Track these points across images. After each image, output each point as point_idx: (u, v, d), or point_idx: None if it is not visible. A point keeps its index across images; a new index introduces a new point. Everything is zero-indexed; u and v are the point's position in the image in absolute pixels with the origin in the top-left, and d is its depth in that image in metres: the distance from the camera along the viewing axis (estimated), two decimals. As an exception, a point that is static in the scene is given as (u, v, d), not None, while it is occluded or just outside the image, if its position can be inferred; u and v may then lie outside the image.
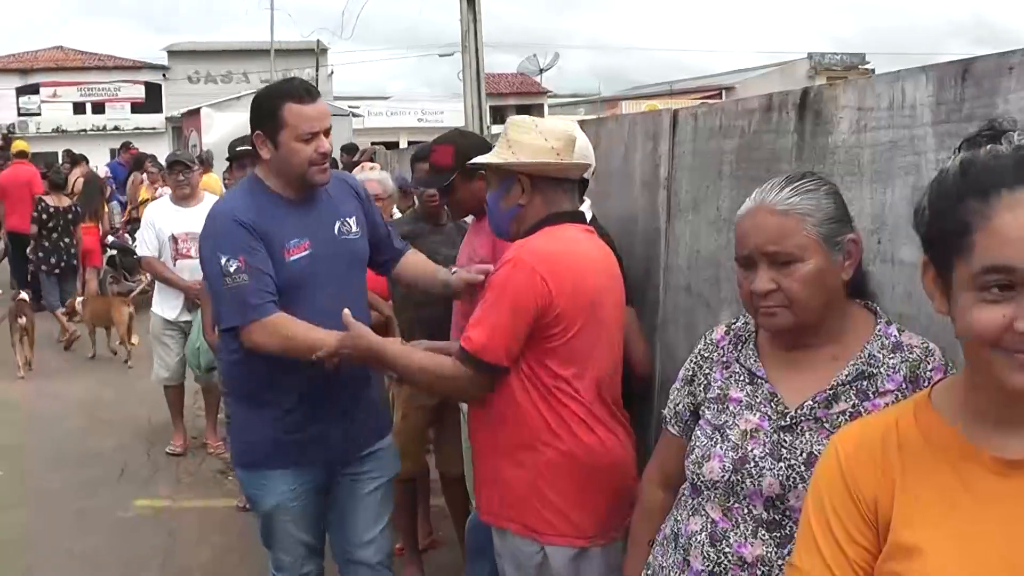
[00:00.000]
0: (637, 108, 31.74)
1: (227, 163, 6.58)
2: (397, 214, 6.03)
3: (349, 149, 14.45)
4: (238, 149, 5.71)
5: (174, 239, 6.94)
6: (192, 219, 6.89)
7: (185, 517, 6.04)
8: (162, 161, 11.15)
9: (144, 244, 7.08)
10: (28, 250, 12.03)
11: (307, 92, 3.15)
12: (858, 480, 1.46)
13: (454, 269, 3.46)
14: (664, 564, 2.17)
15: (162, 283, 7.12)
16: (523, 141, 2.90)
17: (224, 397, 3.58)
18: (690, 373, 2.23)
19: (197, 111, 27.30)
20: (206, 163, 15.29)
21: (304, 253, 3.20)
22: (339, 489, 3.49)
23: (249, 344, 3.10)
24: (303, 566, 3.46)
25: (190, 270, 6.79)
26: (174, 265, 6.95)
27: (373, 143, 15.92)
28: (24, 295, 10.43)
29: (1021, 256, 1.27)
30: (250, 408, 3.34)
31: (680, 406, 2.26)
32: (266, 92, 3.29)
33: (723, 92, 38.12)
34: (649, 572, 2.24)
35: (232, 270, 3.05)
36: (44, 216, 11.57)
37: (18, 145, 15.39)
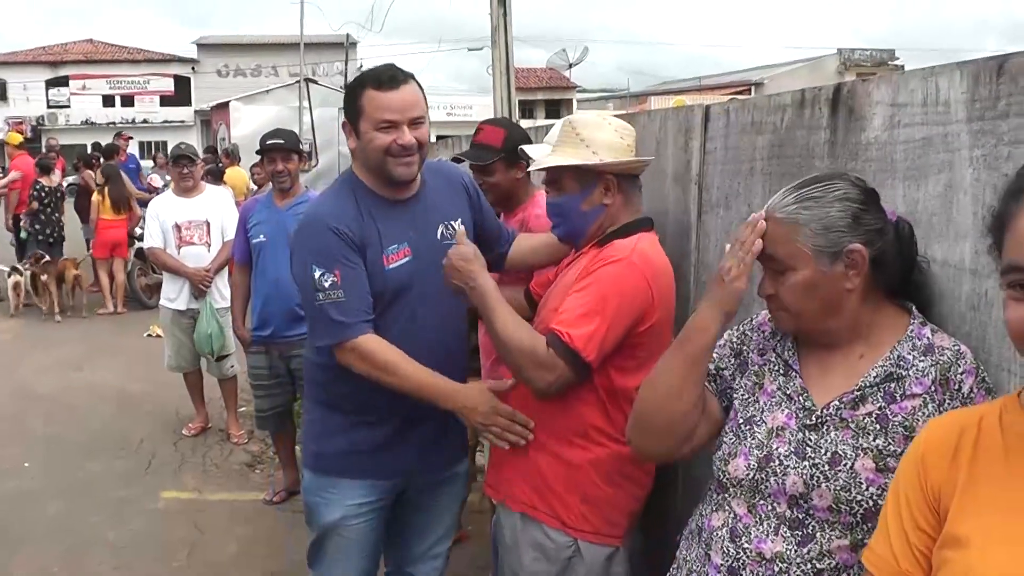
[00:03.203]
0: (665, 103, 31.66)
1: (257, 156, 6.62)
2: None
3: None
4: (268, 143, 5.73)
5: (177, 227, 7.25)
6: (193, 208, 7.29)
7: (212, 509, 6.08)
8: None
9: (149, 236, 7.33)
10: (25, 224, 13.72)
11: (390, 79, 2.88)
12: (929, 470, 1.50)
13: None
14: (688, 557, 2.18)
15: (169, 272, 7.34)
16: (602, 140, 2.85)
17: (303, 399, 3.35)
18: (737, 344, 2.21)
19: (226, 104, 27.45)
20: (233, 156, 15.41)
21: (404, 260, 2.97)
22: (409, 508, 3.32)
23: (343, 363, 2.92)
24: None
25: (194, 257, 7.22)
26: (178, 253, 7.23)
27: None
28: (41, 253, 12.70)
29: None
30: (329, 413, 3.14)
31: (723, 367, 2.22)
32: (356, 77, 3.09)
33: (752, 88, 38.03)
34: (675, 566, 2.26)
35: (327, 285, 2.85)
36: (42, 195, 13.48)
37: (15, 137, 16.22)
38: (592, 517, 2.82)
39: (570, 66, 45.38)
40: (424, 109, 2.97)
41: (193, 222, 7.25)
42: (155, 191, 13.76)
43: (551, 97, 46.35)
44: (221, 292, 7.19)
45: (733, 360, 2.20)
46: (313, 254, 2.90)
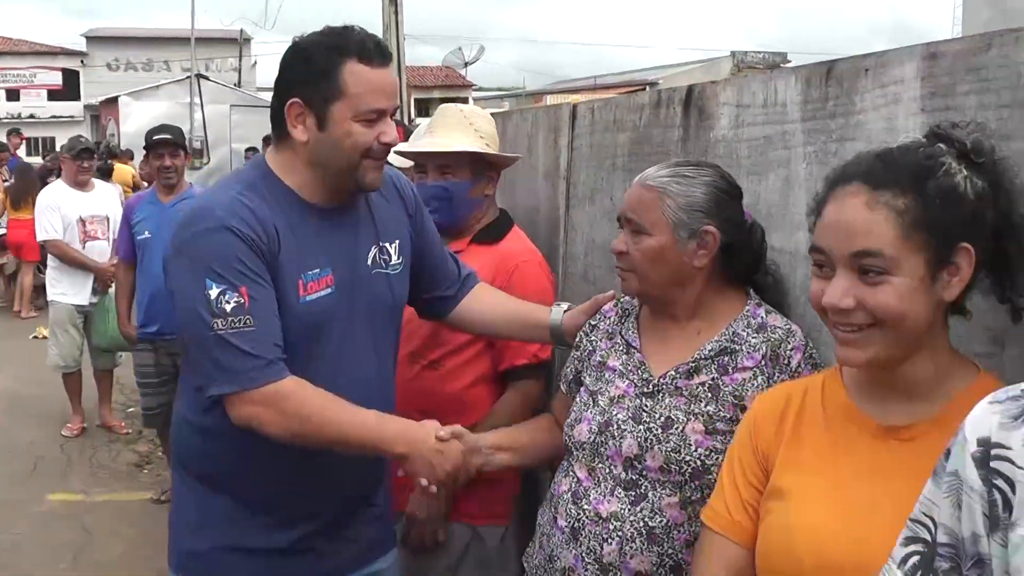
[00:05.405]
0: (562, 101, 31.86)
1: (144, 152, 6.56)
2: None
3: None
4: (155, 138, 5.69)
5: (82, 221, 7.15)
6: (94, 202, 7.24)
7: (99, 510, 6.02)
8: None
9: (49, 228, 7.15)
10: None
11: (379, 51, 2.14)
12: (760, 433, 1.71)
13: (565, 306, 2.54)
14: (541, 522, 2.32)
15: (71, 266, 7.17)
16: (491, 132, 2.99)
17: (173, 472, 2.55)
18: (578, 339, 2.38)
19: (116, 99, 26.87)
20: (123, 155, 15.15)
21: (325, 292, 2.20)
22: None
23: (241, 419, 2.09)
24: None
25: (98, 252, 7.11)
26: (83, 248, 7.11)
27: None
28: None
29: (829, 242, 1.50)
30: (210, 494, 2.32)
31: (569, 369, 2.41)
32: (317, 40, 2.17)
33: (647, 87, 38.46)
34: (536, 532, 2.37)
35: (230, 308, 2.02)
36: None
37: None
38: (485, 504, 2.94)
39: (466, 64, 45.33)
40: None
41: (96, 216, 7.19)
42: None
43: (447, 96, 46.10)
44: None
45: (586, 359, 2.33)
46: (207, 264, 2.06)
